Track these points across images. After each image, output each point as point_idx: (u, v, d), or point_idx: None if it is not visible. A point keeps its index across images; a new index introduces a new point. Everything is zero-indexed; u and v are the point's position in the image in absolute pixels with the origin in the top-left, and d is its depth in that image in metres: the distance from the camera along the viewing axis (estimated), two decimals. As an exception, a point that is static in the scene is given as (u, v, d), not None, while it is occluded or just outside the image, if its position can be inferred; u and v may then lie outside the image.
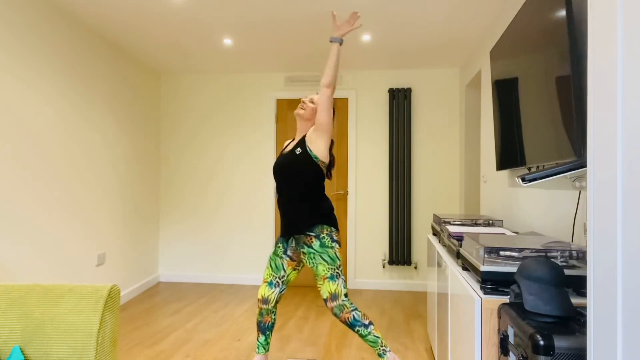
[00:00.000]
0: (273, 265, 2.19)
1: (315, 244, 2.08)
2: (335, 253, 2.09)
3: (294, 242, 2.17)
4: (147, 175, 4.11)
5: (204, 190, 4.37)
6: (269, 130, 4.29)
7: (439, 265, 2.16)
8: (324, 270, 2.07)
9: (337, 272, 2.08)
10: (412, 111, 4.17)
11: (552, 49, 1.56)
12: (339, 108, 4.27)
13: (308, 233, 2.09)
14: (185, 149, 4.40)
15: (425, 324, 3.17)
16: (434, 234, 2.64)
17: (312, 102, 2.24)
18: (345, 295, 2.08)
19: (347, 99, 4.24)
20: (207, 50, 3.65)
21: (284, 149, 2.30)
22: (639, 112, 0.58)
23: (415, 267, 4.15)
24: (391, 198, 4.10)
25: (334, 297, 2.06)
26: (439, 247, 2.25)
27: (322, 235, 2.09)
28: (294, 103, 4.31)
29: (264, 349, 2.24)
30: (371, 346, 2.11)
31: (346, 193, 4.23)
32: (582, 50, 1.42)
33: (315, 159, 2.10)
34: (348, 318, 2.06)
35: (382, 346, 2.09)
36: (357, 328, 2.07)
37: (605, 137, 0.67)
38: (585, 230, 1.59)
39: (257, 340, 2.24)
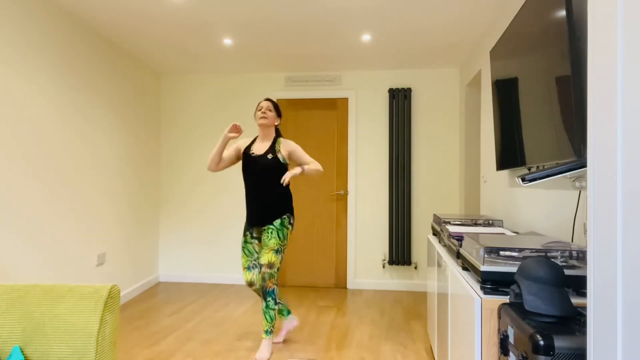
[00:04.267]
0: (247, 252, 2.63)
1: (277, 222, 2.56)
2: (287, 234, 2.60)
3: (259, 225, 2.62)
4: (147, 175, 4.11)
5: (204, 190, 4.37)
6: (269, 130, 4.29)
7: (439, 265, 2.16)
8: (274, 243, 2.53)
9: (281, 248, 2.56)
10: (412, 111, 4.17)
11: (552, 49, 1.56)
12: (339, 108, 4.27)
13: (276, 219, 2.57)
14: (185, 148, 4.40)
15: (425, 324, 3.17)
16: (434, 234, 2.64)
17: (269, 109, 2.62)
18: (278, 269, 2.55)
19: (347, 99, 4.24)
20: (207, 50, 3.65)
21: (250, 152, 2.64)
22: (639, 112, 0.58)
23: (415, 267, 4.15)
24: (391, 198, 4.10)
25: (270, 265, 2.51)
26: (439, 247, 2.25)
27: (284, 217, 2.58)
28: (294, 103, 4.31)
29: (286, 313, 2.75)
30: (266, 320, 2.53)
31: (346, 193, 4.23)
32: (582, 50, 1.42)
33: (284, 163, 2.61)
34: (270, 286, 2.52)
35: (272, 327, 2.55)
36: (269, 298, 2.51)
37: (605, 137, 0.67)
38: (585, 230, 1.59)
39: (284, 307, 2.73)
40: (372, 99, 4.21)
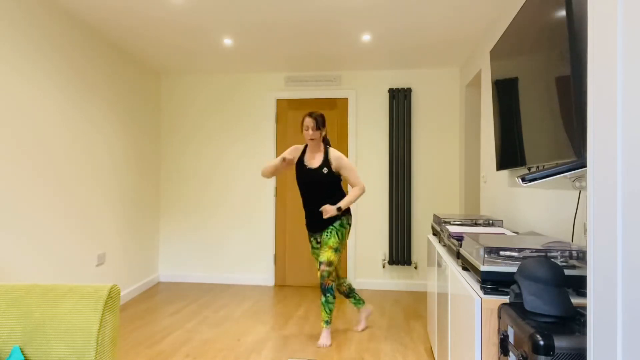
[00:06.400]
0: (316, 257, 2.89)
1: (336, 223, 2.75)
2: (345, 233, 2.78)
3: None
4: (147, 175, 4.11)
5: (204, 190, 4.37)
6: (269, 130, 4.29)
7: (439, 265, 2.16)
8: (333, 242, 2.71)
9: (339, 248, 2.74)
10: (412, 111, 4.17)
11: (552, 49, 1.56)
12: (339, 108, 4.27)
13: (335, 220, 2.77)
14: (185, 148, 4.40)
15: (425, 324, 3.17)
16: (434, 234, 2.64)
17: (314, 128, 2.72)
18: (335, 267, 2.72)
19: (347, 99, 4.24)
20: (207, 51, 3.65)
21: (304, 163, 2.80)
22: (639, 112, 0.58)
23: (415, 267, 4.15)
24: (391, 198, 4.10)
25: (329, 263, 2.68)
26: (439, 247, 2.25)
27: (343, 218, 2.78)
28: (294, 103, 4.30)
29: (361, 301, 2.98)
30: (326, 312, 2.73)
31: (346, 193, 4.23)
32: (582, 50, 1.42)
33: (337, 175, 2.79)
34: (328, 283, 2.69)
35: (331, 318, 2.75)
36: (327, 294, 2.71)
37: (605, 137, 0.67)
38: (585, 230, 1.59)
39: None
40: (372, 99, 4.21)
